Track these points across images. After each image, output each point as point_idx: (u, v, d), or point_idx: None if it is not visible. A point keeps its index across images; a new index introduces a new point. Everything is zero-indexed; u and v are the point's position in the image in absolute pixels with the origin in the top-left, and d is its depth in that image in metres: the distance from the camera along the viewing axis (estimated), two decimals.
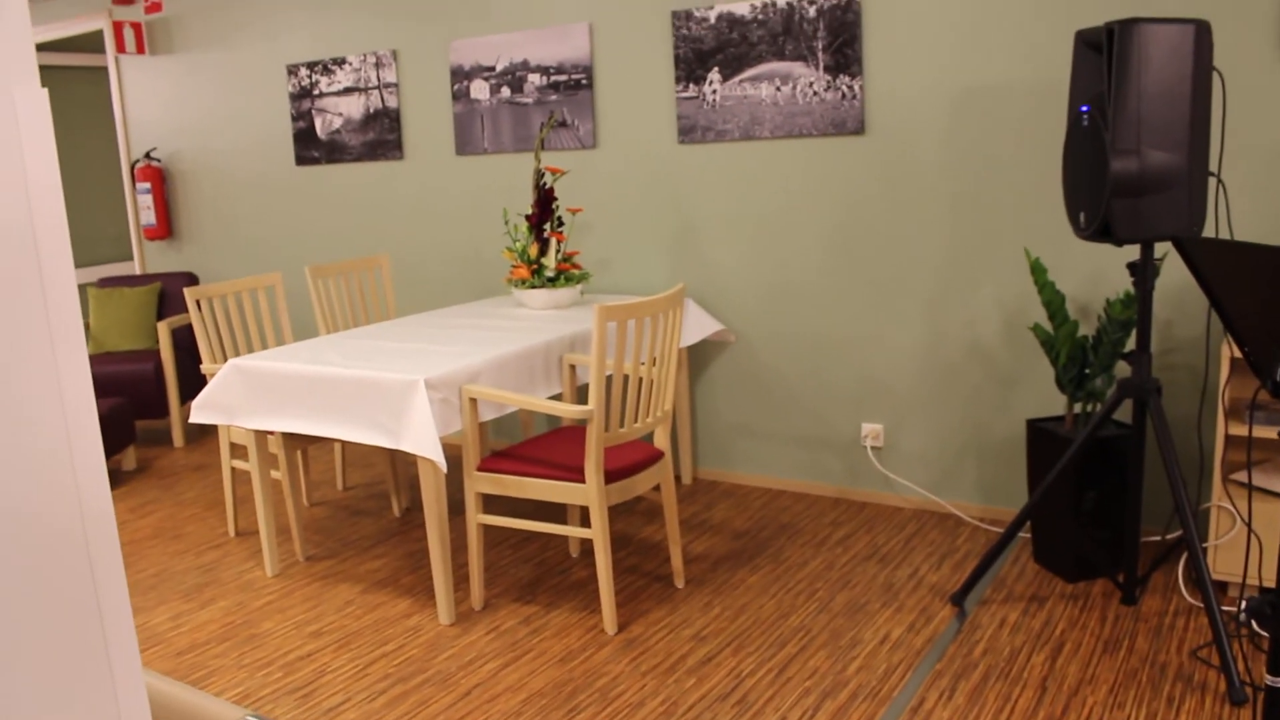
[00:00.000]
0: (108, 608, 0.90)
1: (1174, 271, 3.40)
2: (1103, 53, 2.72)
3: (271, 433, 3.71)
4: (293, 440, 3.66)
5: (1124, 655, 2.81)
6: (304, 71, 5.29)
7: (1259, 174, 3.21)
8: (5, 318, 0.82)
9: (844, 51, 3.79)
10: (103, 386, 5.25)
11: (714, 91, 4.10)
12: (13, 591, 0.83)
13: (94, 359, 5.38)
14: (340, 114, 5.22)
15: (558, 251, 4.11)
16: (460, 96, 4.78)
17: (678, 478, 4.46)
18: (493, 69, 4.65)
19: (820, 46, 3.83)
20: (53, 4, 6.36)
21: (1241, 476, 3.04)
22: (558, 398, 4.32)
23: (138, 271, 6.46)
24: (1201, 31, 2.57)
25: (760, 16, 3.94)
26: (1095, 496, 3.22)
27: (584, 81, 4.41)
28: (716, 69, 4.07)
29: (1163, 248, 3.39)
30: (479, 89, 4.71)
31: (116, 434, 4.75)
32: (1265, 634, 2.88)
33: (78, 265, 7.67)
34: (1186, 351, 3.41)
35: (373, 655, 3.02)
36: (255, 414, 3.32)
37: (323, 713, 2.72)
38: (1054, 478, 3.02)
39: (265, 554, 3.62)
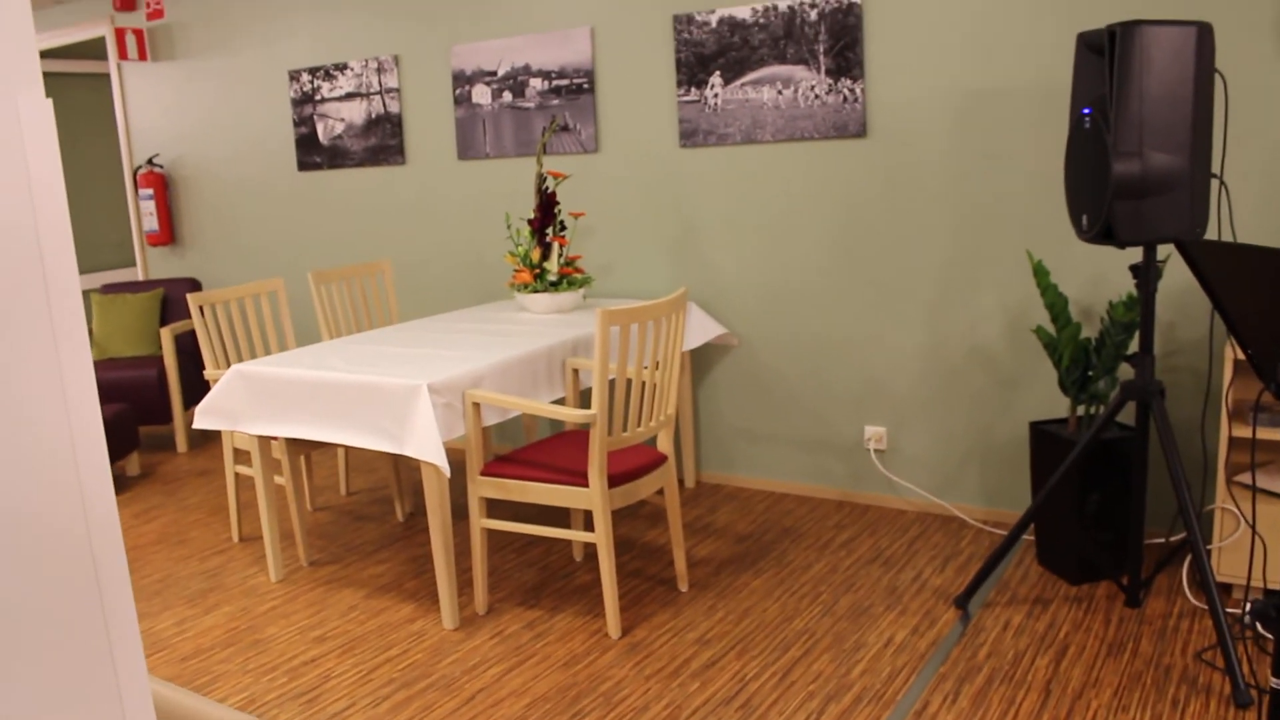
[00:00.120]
0: (113, 613, 0.90)
1: (1177, 273, 3.40)
2: (1104, 55, 2.73)
3: (275, 438, 3.71)
4: (296, 445, 3.67)
5: (1128, 658, 2.80)
6: (306, 77, 5.31)
7: (1261, 176, 3.21)
8: (10, 324, 0.82)
9: (845, 55, 3.79)
10: (106, 392, 5.25)
11: (715, 95, 4.10)
12: (19, 596, 0.83)
13: (97, 365, 5.39)
14: (342, 119, 5.22)
15: (560, 256, 4.11)
16: (462, 101, 4.79)
17: (681, 481, 4.46)
18: (494, 73, 4.66)
19: (822, 50, 3.84)
20: (55, 11, 6.37)
21: (1245, 478, 3.04)
22: (561, 402, 4.32)
23: (140, 277, 6.47)
24: (1203, 33, 2.57)
25: (762, 20, 3.94)
26: (1099, 499, 3.22)
27: (586, 86, 4.41)
28: (718, 72, 4.07)
29: (1165, 249, 3.39)
30: (480, 93, 4.72)
31: (120, 440, 4.75)
32: (1270, 636, 2.88)
33: (80, 271, 7.69)
34: (1189, 353, 3.41)
35: (377, 660, 3.02)
36: (258, 419, 3.32)
37: (327, 718, 2.72)
38: (1057, 480, 3.01)
39: (269, 559, 3.62)
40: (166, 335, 5.23)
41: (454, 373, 3.08)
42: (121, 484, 4.90)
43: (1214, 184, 3.23)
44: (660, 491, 4.20)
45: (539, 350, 3.43)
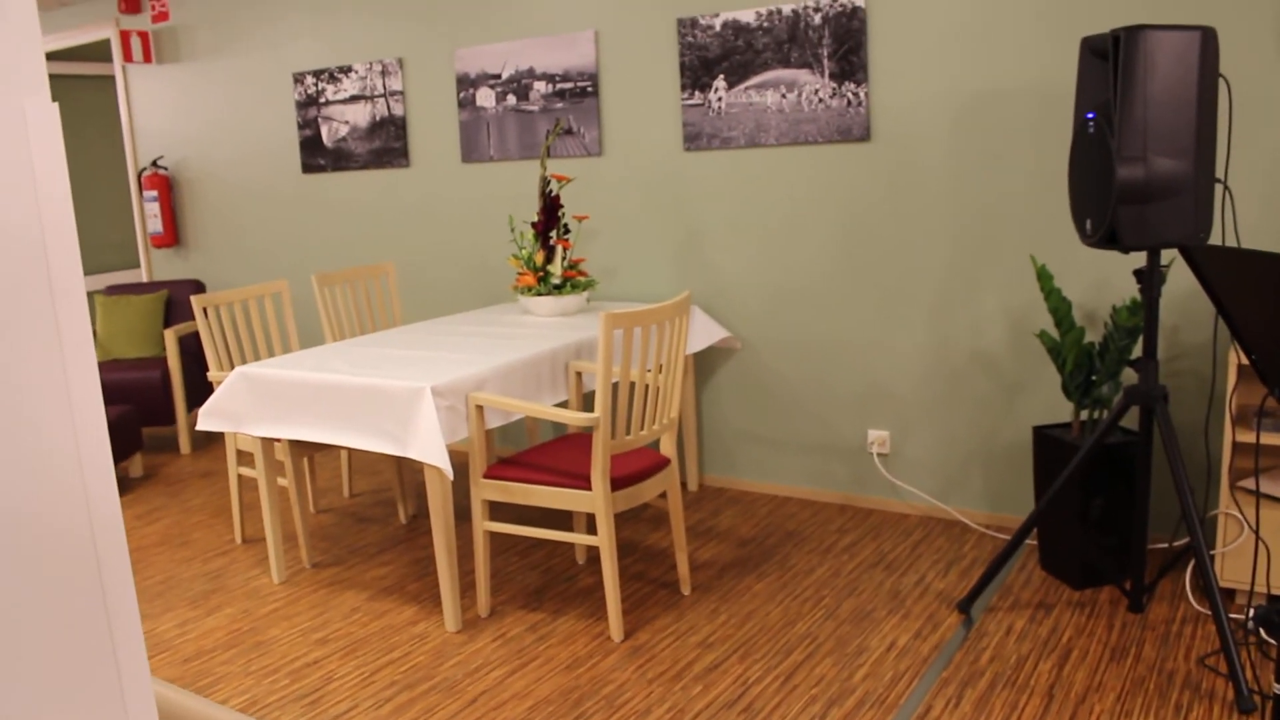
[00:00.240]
0: (116, 614, 0.90)
1: (1181, 278, 3.39)
2: (1109, 60, 2.73)
3: (278, 440, 3.72)
4: (299, 447, 3.67)
5: (1131, 663, 2.80)
6: (310, 79, 5.31)
7: (1266, 181, 3.21)
8: (16, 326, 0.82)
9: (849, 59, 3.80)
10: (110, 394, 5.26)
11: (719, 99, 4.10)
12: (22, 597, 0.84)
13: (101, 366, 5.40)
14: (346, 122, 5.23)
15: (564, 259, 4.11)
16: (466, 104, 4.79)
17: (683, 485, 4.46)
18: (498, 77, 4.66)
19: (826, 54, 3.84)
20: (60, 13, 6.39)
21: (1249, 483, 3.03)
22: (564, 405, 4.32)
23: (145, 279, 6.48)
24: (1208, 38, 2.57)
25: (766, 24, 3.94)
26: (1102, 503, 3.21)
27: (590, 89, 4.42)
28: (722, 76, 4.08)
29: (1169, 254, 3.39)
30: (485, 97, 4.73)
31: (124, 441, 4.76)
32: (1273, 642, 2.87)
33: (85, 273, 7.70)
34: (1193, 358, 3.41)
35: (379, 662, 3.02)
36: (262, 421, 3.32)
37: None
38: (1061, 484, 3.01)
39: (272, 561, 3.63)
40: (170, 337, 5.24)
41: (457, 375, 3.08)
42: (125, 485, 4.91)
43: (1218, 189, 3.23)
44: (663, 495, 4.20)
45: (542, 353, 3.43)
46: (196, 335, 5.77)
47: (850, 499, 4.14)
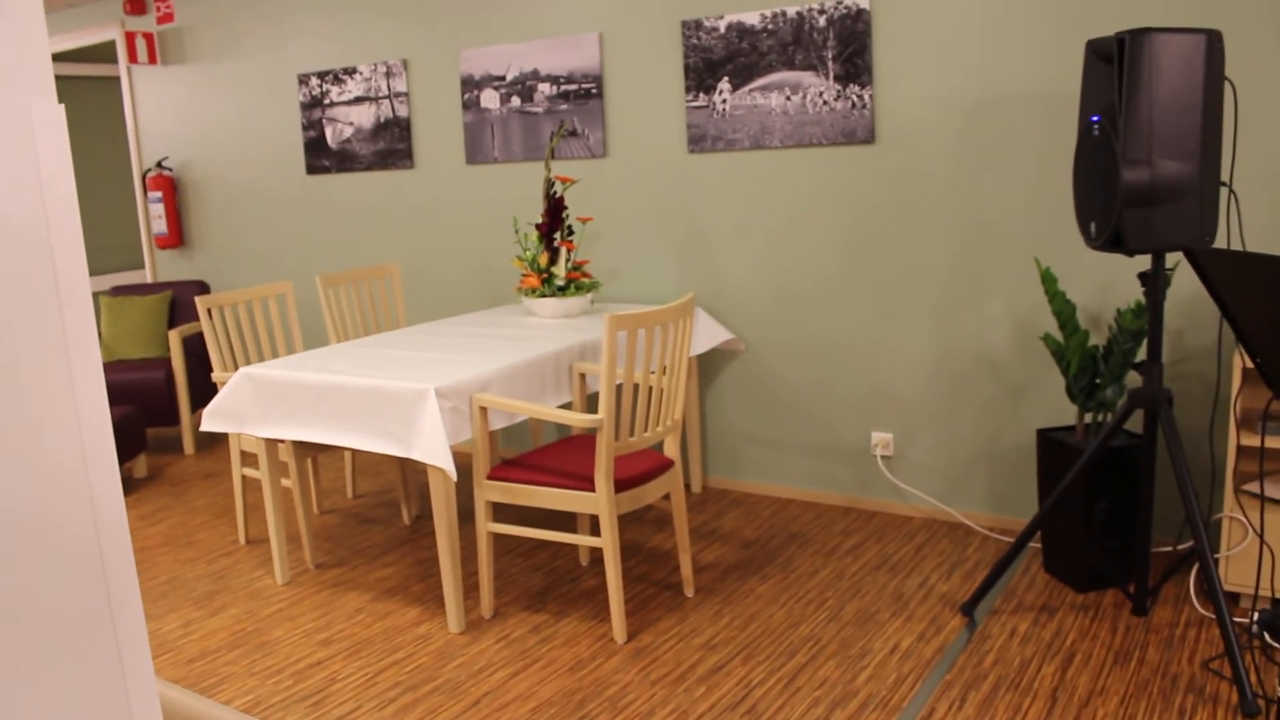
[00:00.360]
0: (120, 614, 0.90)
1: (1185, 281, 3.39)
2: (1114, 63, 2.72)
3: (282, 441, 3.72)
4: (303, 448, 3.67)
5: (1135, 666, 2.79)
6: (315, 81, 5.32)
7: (1271, 184, 3.20)
8: (21, 326, 0.82)
9: (854, 61, 3.80)
10: (114, 394, 5.27)
11: (724, 101, 4.10)
12: (28, 598, 0.84)
13: (106, 367, 5.41)
14: (351, 123, 5.24)
15: (568, 260, 4.12)
16: (470, 106, 4.80)
17: (687, 486, 4.46)
18: (503, 78, 4.67)
19: (830, 56, 3.84)
20: (66, 15, 6.41)
21: (1253, 487, 3.03)
22: (568, 406, 4.32)
23: (149, 280, 6.49)
24: (1213, 41, 2.57)
25: (770, 26, 3.95)
26: (1106, 506, 3.21)
27: (594, 91, 4.42)
28: (726, 78, 4.08)
29: (1174, 257, 3.38)
30: (489, 98, 4.73)
31: (128, 442, 4.77)
32: (1278, 645, 2.87)
33: (89, 273, 7.72)
34: (1198, 361, 3.40)
35: (383, 663, 3.02)
36: (266, 422, 3.33)
37: None
38: (1065, 487, 3.01)
39: (275, 562, 3.63)
40: (174, 337, 5.25)
41: (461, 377, 3.09)
42: (129, 486, 4.92)
43: (1223, 192, 3.23)
44: (666, 496, 4.20)
45: (546, 355, 3.43)
46: (201, 336, 5.78)
47: (854, 501, 4.14)
